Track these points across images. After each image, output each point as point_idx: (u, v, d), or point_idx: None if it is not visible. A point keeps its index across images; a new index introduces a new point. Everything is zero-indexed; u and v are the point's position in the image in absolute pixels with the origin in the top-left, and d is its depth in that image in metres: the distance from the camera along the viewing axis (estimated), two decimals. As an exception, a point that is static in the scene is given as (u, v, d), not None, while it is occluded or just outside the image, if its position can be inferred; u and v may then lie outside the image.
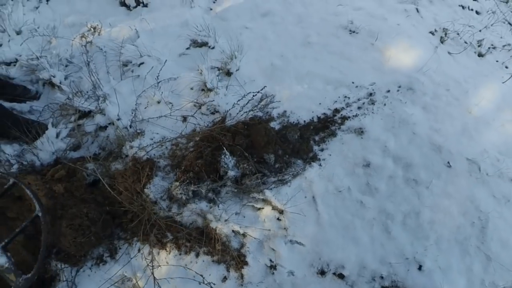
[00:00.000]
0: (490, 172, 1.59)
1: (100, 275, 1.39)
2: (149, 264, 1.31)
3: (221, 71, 1.83)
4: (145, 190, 1.46)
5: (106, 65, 1.85)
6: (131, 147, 1.54)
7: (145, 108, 1.71)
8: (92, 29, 2.04)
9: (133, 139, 1.61)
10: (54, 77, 1.81)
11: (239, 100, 1.58)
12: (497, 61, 2.10)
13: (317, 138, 1.65)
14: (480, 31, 2.23)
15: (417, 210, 1.50)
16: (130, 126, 1.68)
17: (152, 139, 1.62)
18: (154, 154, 1.59)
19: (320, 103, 1.73)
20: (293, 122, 1.68)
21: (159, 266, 1.35)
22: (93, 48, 1.97)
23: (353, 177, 1.56)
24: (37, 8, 2.25)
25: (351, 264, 1.38)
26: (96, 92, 1.67)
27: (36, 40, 1.97)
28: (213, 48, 1.92)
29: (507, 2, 2.51)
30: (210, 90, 1.69)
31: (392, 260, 1.40)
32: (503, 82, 1.93)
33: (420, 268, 1.40)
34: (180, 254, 1.41)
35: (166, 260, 1.40)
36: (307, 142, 1.63)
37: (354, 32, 1.97)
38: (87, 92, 1.76)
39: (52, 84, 1.84)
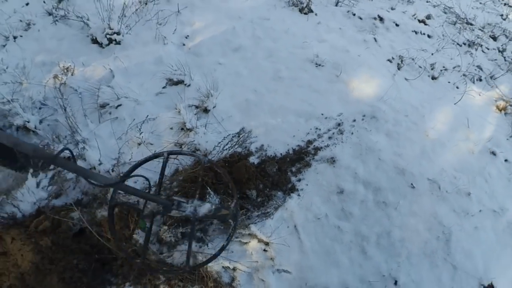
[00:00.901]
0: (449, 189, 1.84)
1: (94, 324, 1.46)
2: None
3: (198, 109, 1.96)
4: (134, 235, 1.55)
5: (82, 107, 1.92)
6: (116, 193, 1.62)
7: (126, 151, 1.80)
8: (65, 69, 2.09)
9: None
10: (28, 122, 1.84)
11: (219, 143, 1.72)
12: (449, 82, 2.40)
13: (293, 169, 1.82)
14: (432, 54, 2.54)
15: (388, 230, 1.71)
16: (113, 170, 1.75)
17: (135, 182, 1.71)
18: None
19: (294, 136, 1.91)
20: (271, 155, 1.84)
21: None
22: (67, 89, 2.02)
23: (329, 204, 1.74)
24: (4, 46, 2.26)
25: (334, 286, 1.55)
26: (75, 137, 1.74)
27: (6, 81, 2.00)
28: (189, 85, 2.05)
29: (454, 24, 2.86)
30: (189, 130, 1.81)
31: (370, 278, 1.59)
32: (454, 103, 2.22)
33: (396, 283, 1.60)
34: (173, 295, 1.51)
35: (160, 301, 1.49)
36: (285, 174, 1.79)
37: (320, 65, 2.18)
38: (65, 137, 1.82)
39: (26, 129, 1.87)
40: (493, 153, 2.07)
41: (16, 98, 1.95)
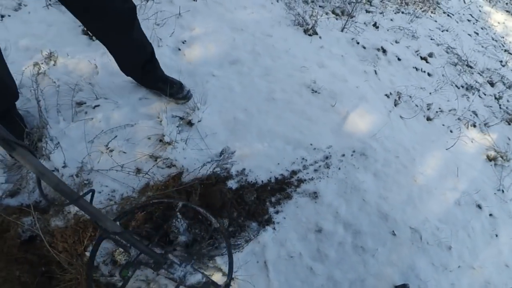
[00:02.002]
0: (430, 241, 1.71)
1: None
2: None
3: (182, 121, 1.79)
4: (86, 253, 1.37)
5: (57, 102, 1.73)
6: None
7: (96, 156, 1.61)
8: (47, 58, 1.90)
9: (79, 190, 1.51)
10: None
11: (203, 165, 1.56)
12: (443, 125, 2.29)
13: (273, 199, 1.66)
14: (430, 93, 2.43)
15: (363, 277, 1.56)
16: (77, 176, 1.57)
17: (100, 192, 1.53)
18: (100, 209, 1.50)
19: (278, 163, 1.75)
20: (251, 181, 1.68)
21: None
22: (46, 80, 1.83)
23: (305, 243, 1.59)
24: (-12, 24, 2.06)
25: (296, 337, 1.39)
26: (43, 133, 1.55)
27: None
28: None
29: (455, 65, 2.76)
30: (168, 143, 1.64)
31: (336, 330, 1.44)
32: (447, 149, 2.10)
33: None
34: (120, 324, 1.33)
35: (103, 330, 1.31)
36: (263, 204, 1.63)
37: (316, 92, 2.04)
38: (32, 129, 1.62)
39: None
40: (479, 206, 1.96)
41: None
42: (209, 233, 1.46)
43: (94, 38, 2.08)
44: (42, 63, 1.88)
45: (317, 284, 1.51)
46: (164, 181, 1.59)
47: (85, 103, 1.73)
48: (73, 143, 1.62)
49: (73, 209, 1.43)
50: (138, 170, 1.61)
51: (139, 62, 1.69)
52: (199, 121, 1.80)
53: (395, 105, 2.22)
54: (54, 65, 1.91)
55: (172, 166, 1.64)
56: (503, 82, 2.92)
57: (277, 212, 1.63)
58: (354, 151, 1.86)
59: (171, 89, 1.75)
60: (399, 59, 2.56)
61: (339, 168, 1.79)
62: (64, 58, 1.93)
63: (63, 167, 1.56)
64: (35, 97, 1.71)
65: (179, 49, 2.13)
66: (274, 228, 1.58)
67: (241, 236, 1.53)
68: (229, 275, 1.36)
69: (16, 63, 1.88)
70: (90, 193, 0.95)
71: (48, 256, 1.40)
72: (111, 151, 1.64)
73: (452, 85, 2.65)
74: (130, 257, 1.25)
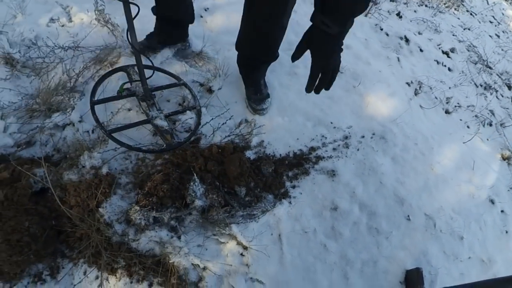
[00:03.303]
0: (443, 229, 1.70)
1: (36, 297, 1.24)
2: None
3: (202, 87, 1.75)
4: (100, 209, 1.34)
5: (83, 60, 1.67)
6: (91, 157, 1.40)
7: (113, 113, 1.58)
8: (66, 13, 1.85)
9: (94, 147, 1.48)
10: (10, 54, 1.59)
11: (222, 124, 1.53)
12: (460, 119, 2.28)
13: (290, 174, 1.64)
14: (449, 88, 2.41)
15: (375, 259, 1.56)
16: (93, 131, 1.53)
17: (115, 150, 1.49)
18: (115, 168, 1.46)
19: (297, 139, 1.73)
20: (269, 154, 1.66)
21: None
22: (64, 34, 1.78)
23: (320, 219, 1.57)
24: (8, -27, 1.99)
25: (307, 310, 1.38)
26: (74, 88, 1.51)
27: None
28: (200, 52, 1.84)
29: (475, 64, 2.74)
30: (188, 108, 1.60)
31: (346, 307, 1.44)
32: (463, 143, 2.09)
33: (371, 318, 1.45)
34: (131, 283, 1.30)
35: (115, 287, 1.29)
36: (280, 178, 1.61)
37: (339, 71, 2.00)
38: (62, 85, 1.57)
39: (11, 65, 1.62)
40: (492, 202, 1.96)
41: (6, 31, 1.70)
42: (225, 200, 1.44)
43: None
44: (58, 19, 1.83)
45: (329, 261, 1.50)
46: (182, 145, 1.55)
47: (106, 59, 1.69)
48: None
49: (88, 163, 1.39)
50: (155, 132, 1.57)
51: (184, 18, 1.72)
52: (219, 89, 1.76)
53: (416, 94, 2.20)
54: (70, 21, 1.86)
55: (191, 130, 1.60)
56: (520, 86, 2.91)
57: (293, 187, 1.61)
58: (374, 134, 1.84)
59: None
60: (421, 50, 2.53)
61: (358, 149, 1.77)
62: (84, 15, 1.88)
63: (79, 121, 1.52)
64: (62, 49, 1.67)
65: (201, 16, 2.08)
66: (290, 202, 1.56)
67: (257, 206, 1.51)
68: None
69: (34, 15, 1.82)
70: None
71: (59, 210, 1.36)
72: (129, 110, 1.60)
73: (471, 82, 2.63)
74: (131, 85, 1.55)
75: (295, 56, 1.11)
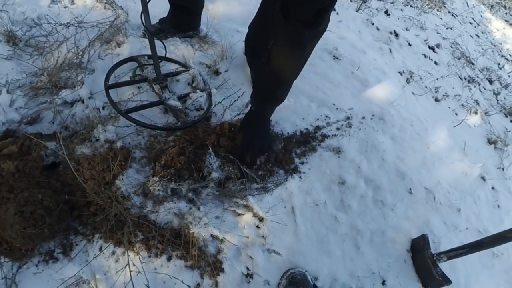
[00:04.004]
0: (442, 201, 1.87)
1: (49, 274, 1.23)
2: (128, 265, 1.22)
3: (209, 69, 1.85)
4: (116, 181, 1.38)
5: (88, 38, 1.71)
6: (105, 130, 1.45)
7: (124, 91, 1.63)
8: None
9: (105, 122, 1.52)
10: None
11: (232, 103, 1.62)
12: (449, 107, 2.50)
13: (298, 151, 1.75)
14: (437, 79, 2.65)
15: (383, 229, 1.68)
16: (103, 108, 1.58)
17: (127, 126, 1.54)
18: (129, 143, 1.51)
19: (303, 118, 1.85)
20: (278, 132, 1.76)
21: (140, 272, 1.25)
22: (67, 15, 1.82)
23: (329, 193, 1.68)
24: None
25: (324, 276, 1.46)
26: (81, 65, 1.54)
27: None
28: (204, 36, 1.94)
29: (459, 59, 3.04)
30: (199, 89, 1.69)
31: (360, 274, 1.53)
32: (454, 127, 2.30)
33: (383, 283, 1.55)
34: (149, 257, 1.33)
35: (133, 261, 1.31)
36: (290, 154, 1.72)
37: (337, 58, 2.18)
38: (70, 62, 1.60)
39: (14, 43, 1.64)
40: (483, 179, 2.16)
41: (6, 10, 1.72)
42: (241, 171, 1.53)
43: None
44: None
45: (341, 232, 1.61)
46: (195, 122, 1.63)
47: (111, 40, 1.74)
48: (98, 75, 1.62)
49: (102, 136, 1.44)
50: (167, 110, 1.64)
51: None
52: (226, 71, 1.86)
53: (408, 82, 2.41)
54: (73, 3, 1.91)
55: (201, 109, 1.68)
56: (500, 82, 3.22)
57: (302, 163, 1.72)
58: (373, 115, 2.00)
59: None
60: (409, 44, 2.78)
61: (360, 129, 1.92)
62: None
63: (89, 98, 1.56)
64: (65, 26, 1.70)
65: (202, 5, 2.20)
66: (300, 177, 1.67)
67: (270, 180, 1.60)
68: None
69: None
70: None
71: (72, 185, 1.38)
72: (139, 87, 1.66)
73: (456, 75, 2.90)
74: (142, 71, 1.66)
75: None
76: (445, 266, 1.61)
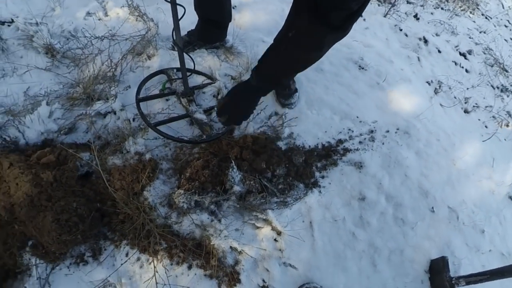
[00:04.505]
0: (466, 222, 1.79)
1: (79, 276, 1.31)
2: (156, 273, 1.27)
3: (234, 80, 1.85)
4: (144, 192, 1.42)
5: (121, 51, 1.76)
6: (135, 143, 1.49)
7: (153, 103, 1.67)
8: (102, 7, 1.95)
9: (135, 134, 1.56)
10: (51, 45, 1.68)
11: (255, 116, 1.61)
12: (479, 119, 2.37)
13: (319, 164, 1.73)
14: (467, 89, 2.51)
15: (402, 248, 1.63)
16: (133, 120, 1.62)
17: (156, 138, 1.58)
18: (156, 155, 1.55)
19: (325, 131, 1.82)
20: (299, 145, 1.74)
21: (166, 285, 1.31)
22: (101, 27, 1.88)
23: (348, 208, 1.65)
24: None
25: (339, 293, 1.46)
26: (114, 78, 1.60)
27: (36, 3, 1.84)
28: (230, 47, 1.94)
29: (492, 66, 2.84)
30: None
31: (375, 293, 1.51)
32: (483, 141, 2.18)
33: (399, 304, 1.53)
34: (171, 264, 1.38)
35: (156, 268, 1.36)
36: (310, 168, 1.70)
37: (363, 68, 2.11)
38: (104, 75, 1.65)
39: (52, 55, 1.72)
40: (511, 198, 2.04)
41: (45, 23, 1.80)
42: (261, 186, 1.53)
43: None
44: (96, 13, 1.93)
45: (359, 249, 1.58)
46: (218, 135, 1.64)
47: (142, 52, 1.78)
48: (131, 89, 1.67)
49: (133, 148, 1.48)
50: (193, 122, 1.66)
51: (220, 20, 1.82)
52: (250, 83, 1.85)
53: (436, 93, 2.29)
54: (106, 15, 1.96)
55: (225, 121, 1.69)
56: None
57: (322, 177, 1.70)
58: (398, 129, 1.93)
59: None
60: (439, 51, 2.63)
61: (383, 143, 1.86)
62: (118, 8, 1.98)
63: (121, 110, 1.61)
64: (99, 39, 1.76)
65: (229, 14, 2.19)
66: (320, 192, 1.65)
67: (290, 194, 1.59)
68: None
69: (71, 8, 1.92)
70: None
71: (104, 193, 1.45)
72: (167, 100, 1.69)
73: (488, 84, 2.72)
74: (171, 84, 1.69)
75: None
76: (464, 290, 1.54)
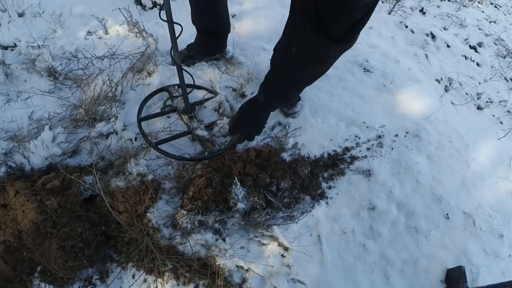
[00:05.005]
0: (483, 227, 1.67)
1: (88, 301, 1.29)
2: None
3: (235, 92, 1.78)
4: (148, 214, 1.38)
5: (121, 69, 1.71)
6: (137, 164, 1.45)
7: (155, 121, 1.62)
8: (101, 25, 1.91)
9: (137, 154, 1.52)
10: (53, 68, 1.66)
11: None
12: (493, 115, 2.22)
13: (326, 175, 1.64)
14: (479, 83, 2.35)
15: (415, 258, 1.54)
16: (135, 139, 1.58)
17: (158, 157, 1.53)
18: (159, 174, 1.50)
19: (331, 140, 1.73)
20: (304, 155, 1.66)
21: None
22: (102, 46, 1.84)
23: (358, 219, 1.57)
24: (44, -10, 2.07)
25: (350, 310, 1.38)
26: (115, 98, 1.56)
27: (40, 26, 1.82)
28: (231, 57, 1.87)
29: (504, 58, 2.66)
30: (224, 115, 1.63)
31: (389, 307, 1.43)
32: (498, 139, 2.03)
33: (415, 318, 1.43)
34: (178, 285, 1.34)
35: (163, 290, 1.32)
36: (316, 179, 1.61)
37: (368, 71, 2.00)
38: (105, 95, 1.62)
39: (54, 77, 1.69)
40: (531, 198, 1.90)
41: (47, 45, 1.77)
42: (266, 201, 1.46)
43: (147, 8, 2.07)
44: (95, 31, 1.89)
45: (370, 261, 1.50)
46: (221, 151, 1.58)
47: (142, 69, 1.73)
48: (130, 107, 1.63)
49: (135, 170, 1.44)
50: (194, 138, 1.61)
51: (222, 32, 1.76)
52: (252, 93, 1.78)
53: (446, 90, 2.16)
54: (106, 33, 1.92)
55: (228, 135, 1.63)
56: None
57: (329, 188, 1.61)
58: (407, 132, 1.82)
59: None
60: (448, 46, 2.48)
61: (392, 148, 1.75)
62: (118, 26, 1.93)
63: (123, 130, 1.57)
64: (99, 59, 1.72)
65: (228, 23, 2.11)
66: (327, 203, 1.57)
67: (296, 207, 1.52)
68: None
69: (72, 28, 1.89)
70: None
71: (108, 216, 1.41)
72: (168, 117, 1.64)
73: (501, 77, 2.55)
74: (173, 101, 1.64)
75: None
76: (483, 301, 1.43)
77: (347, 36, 0.95)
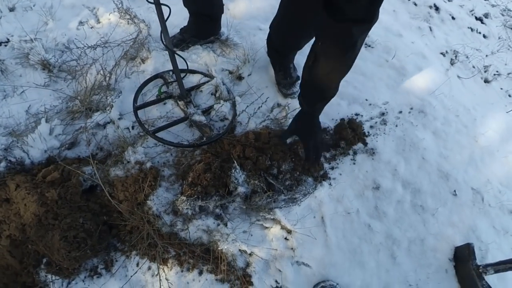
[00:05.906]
0: (492, 203, 1.58)
1: (94, 289, 1.27)
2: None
3: (231, 75, 1.69)
4: (148, 202, 1.33)
5: (114, 58, 1.64)
6: (135, 152, 1.39)
7: (151, 109, 1.55)
8: (94, 15, 1.82)
9: (135, 142, 1.46)
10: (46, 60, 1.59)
11: (257, 110, 1.46)
12: (501, 88, 2.08)
13: (328, 155, 1.57)
14: (486, 56, 2.20)
15: (422, 237, 1.47)
16: (133, 128, 1.52)
17: (156, 145, 1.47)
18: (158, 162, 1.45)
19: (332, 119, 1.64)
20: (305, 137, 1.58)
21: None
22: (94, 35, 1.76)
23: (362, 200, 1.50)
24: (34, -17, 1.98)
25: (356, 289, 1.33)
26: (109, 87, 1.49)
27: (31, 19, 1.74)
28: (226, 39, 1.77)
29: None
30: (223, 99, 1.55)
31: (396, 286, 1.37)
32: (507, 112, 1.91)
33: (422, 296, 1.38)
34: (182, 271, 1.30)
35: (167, 276, 1.29)
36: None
37: (369, 46, 1.87)
38: (98, 85, 1.55)
39: (48, 70, 1.63)
40: (543, 171, 1.79)
41: (39, 38, 1.70)
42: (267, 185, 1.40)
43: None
44: (87, 21, 1.81)
45: (375, 242, 1.43)
46: (219, 135, 1.51)
47: (136, 57, 1.65)
48: (126, 95, 1.56)
49: (133, 158, 1.39)
50: (191, 124, 1.54)
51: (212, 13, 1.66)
52: (249, 75, 1.69)
53: (452, 64, 2.02)
54: (98, 22, 1.83)
55: (225, 119, 1.56)
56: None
57: (332, 168, 1.54)
58: (412, 108, 1.71)
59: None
60: (453, 18, 2.32)
61: (396, 125, 1.66)
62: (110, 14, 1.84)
63: (119, 119, 1.51)
64: (92, 48, 1.65)
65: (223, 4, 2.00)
66: (330, 184, 1.50)
67: (298, 189, 1.45)
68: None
69: (63, 19, 1.81)
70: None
71: (109, 206, 1.37)
72: (164, 104, 1.57)
73: (509, 48, 2.39)
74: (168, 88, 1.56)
75: (284, 137, 1.49)
76: (493, 277, 1.36)
77: (368, 14, 0.91)
